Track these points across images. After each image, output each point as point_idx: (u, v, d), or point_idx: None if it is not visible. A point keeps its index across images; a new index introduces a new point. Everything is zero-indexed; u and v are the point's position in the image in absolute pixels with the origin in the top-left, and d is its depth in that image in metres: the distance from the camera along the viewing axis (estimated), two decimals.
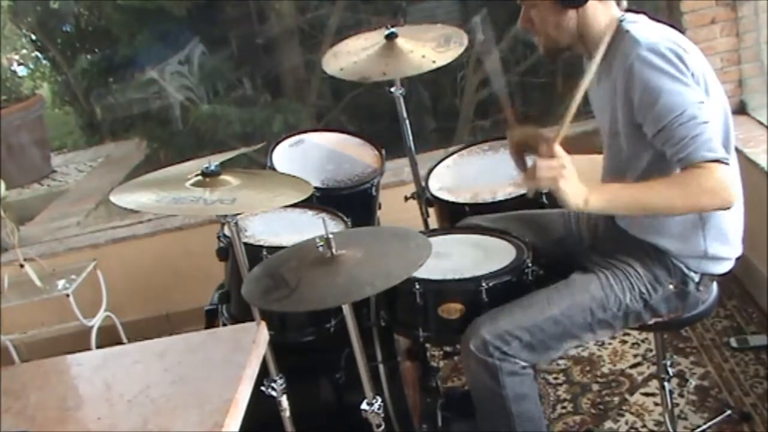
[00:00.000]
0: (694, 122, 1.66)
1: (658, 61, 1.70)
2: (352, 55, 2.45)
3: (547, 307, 1.86)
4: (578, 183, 1.72)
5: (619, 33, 1.80)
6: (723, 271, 1.93)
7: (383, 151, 2.63)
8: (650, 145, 1.76)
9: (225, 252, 2.22)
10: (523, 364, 1.85)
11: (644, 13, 1.88)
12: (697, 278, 1.90)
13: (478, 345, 1.83)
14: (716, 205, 1.70)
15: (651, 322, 1.95)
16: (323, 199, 2.37)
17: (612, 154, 1.91)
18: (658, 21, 1.88)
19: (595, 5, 1.83)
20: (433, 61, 2.36)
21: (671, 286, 1.90)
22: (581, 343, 2.02)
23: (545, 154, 1.74)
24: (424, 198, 2.56)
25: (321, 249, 1.68)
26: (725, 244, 1.88)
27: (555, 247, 2.11)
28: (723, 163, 1.65)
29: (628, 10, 1.88)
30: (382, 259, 1.73)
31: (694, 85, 1.71)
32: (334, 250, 1.68)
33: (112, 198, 1.76)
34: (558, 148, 1.73)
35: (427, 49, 2.40)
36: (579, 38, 1.87)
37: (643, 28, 1.79)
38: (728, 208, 1.70)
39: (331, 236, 1.68)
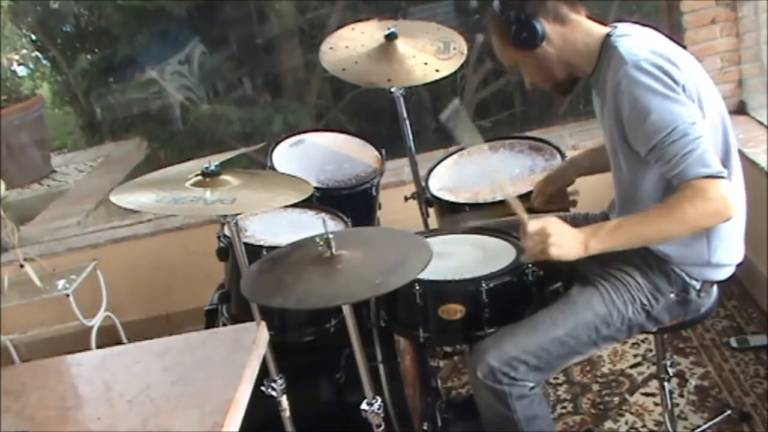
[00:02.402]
0: (686, 139, 1.65)
1: (645, 78, 1.69)
2: (350, 50, 2.44)
3: (552, 329, 1.85)
4: (569, 236, 1.75)
5: (609, 49, 1.79)
6: (724, 277, 1.91)
7: (383, 151, 2.63)
8: (647, 162, 1.75)
9: (225, 252, 2.22)
10: (531, 385, 1.84)
11: (636, 22, 1.87)
12: (698, 286, 1.88)
13: (485, 373, 1.82)
14: (718, 221, 1.71)
15: (654, 329, 1.95)
16: (323, 199, 2.37)
17: (616, 172, 1.90)
18: (653, 28, 1.87)
19: (560, 32, 1.82)
20: (437, 70, 2.37)
21: (672, 295, 1.88)
22: (585, 357, 2.03)
23: (522, 236, 1.81)
24: (424, 198, 2.56)
25: (321, 249, 1.68)
26: (729, 250, 1.87)
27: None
28: (719, 177, 1.64)
29: (620, 21, 1.87)
30: (382, 264, 1.73)
31: (686, 100, 1.69)
32: (333, 250, 1.68)
33: (112, 198, 1.77)
34: (531, 226, 1.77)
35: (428, 55, 2.41)
36: (566, 65, 1.87)
37: (631, 43, 1.76)
38: (729, 220, 1.70)
39: (330, 236, 1.68)
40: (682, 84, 1.71)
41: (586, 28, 1.85)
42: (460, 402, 2.56)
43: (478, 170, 2.53)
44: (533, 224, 1.77)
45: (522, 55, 1.86)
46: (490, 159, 2.54)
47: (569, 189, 2.25)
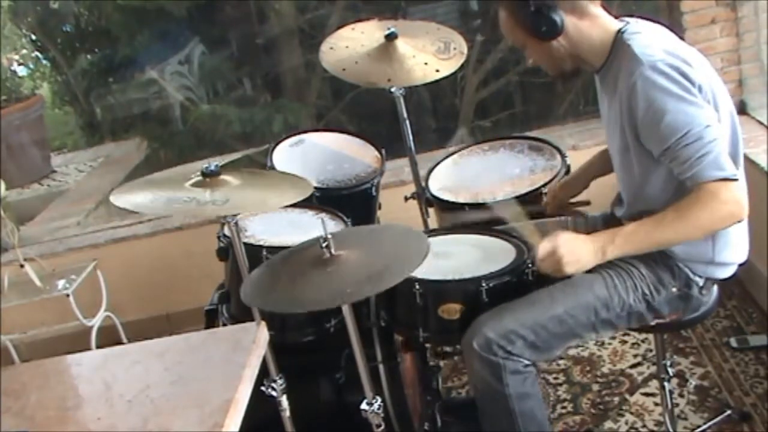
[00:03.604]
0: (700, 142, 1.65)
1: (662, 80, 1.68)
2: (350, 50, 2.44)
3: (551, 306, 1.86)
4: (582, 249, 1.76)
5: (621, 46, 1.78)
6: (727, 276, 1.92)
7: (383, 151, 2.63)
8: (659, 161, 1.75)
9: (225, 252, 2.22)
10: (526, 362, 1.85)
11: (649, 19, 1.87)
12: (701, 282, 1.89)
13: (481, 343, 1.82)
14: (732, 223, 1.72)
15: (653, 323, 1.95)
16: (323, 199, 2.37)
17: (625, 171, 1.90)
18: (662, 24, 1.87)
19: (577, 25, 1.80)
20: (437, 70, 2.37)
21: (674, 289, 1.89)
22: (584, 341, 2.03)
23: (536, 262, 1.81)
24: (424, 198, 2.56)
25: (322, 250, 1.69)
26: (733, 249, 1.88)
27: None
28: (732, 180, 1.65)
29: (629, 16, 1.86)
30: (384, 255, 1.73)
31: (702, 101, 1.69)
32: (333, 251, 1.68)
33: (112, 198, 1.77)
34: (543, 247, 1.77)
35: (428, 55, 2.41)
36: (576, 58, 1.85)
37: (645, 42, 1.75)
38: (741, 221, 1.72)
39: (330, 237, 1.68)
40: (698, 84, 1.70)
41: (602, 23, 1.83)
42: (459, 403, 2.56)
43: (478, 170, 2.53)
44: (543, 247, 1.77)
45: (533, 42, 1.84)
46: (490, 160, 2.55)
47: (580, 198, 2.25)
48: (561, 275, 1.78)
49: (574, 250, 1.75)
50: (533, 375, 1.88)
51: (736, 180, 1.66)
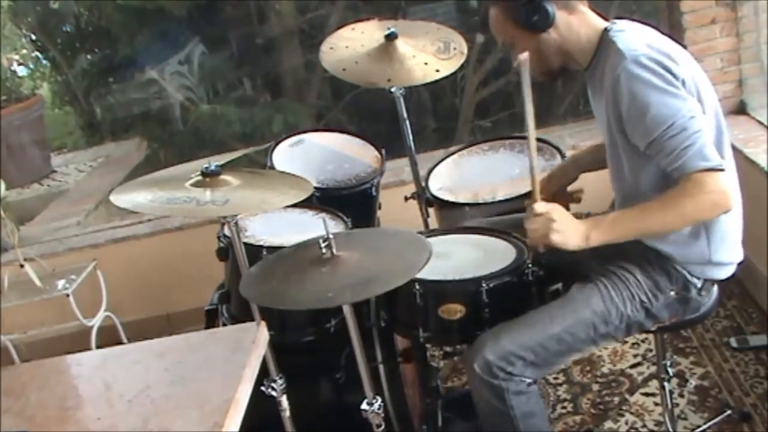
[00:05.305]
0: (684, 134, 1.65)
1: (644, 73, 1.69)
2: (350, 50, 2.45)
3: (549, 326, 1.85)
4: (572, 226, 1.75)
5: (607, 43, 1.80)
6: (726, 276, 1.91)
7: (383, 151, 2.63)
8: (646, 155, 1.75)
9: (225, 252, 2.22)
10: (529, 381, 1.84)
11: (636, 20, 1.88)
12: (699, 284, 1.88)
13: (482, 366, 1.82)
14: (717, 213, 1.72)
15: (653, 328, 1.95)
16: (323, 199, 2.37)
17: (614, 165, 1.90)
18: (650, 26, 1.87)
19: (567, 20, 1.82)
20: (437, 70, 2.38)
21: (672, 293, 1.88)
22: (584, 355, 2.02)
23: (528, 216, 1.79)
24: (424, 198, 2.56)
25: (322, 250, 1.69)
26: (729, 249, 1.87)
27: (552, 251, 2.09)
28: (718, 170, 1.65)
29: (619, 18, 1.87)
30: (381, 262, 1.73)
31: (686, 94, 1.70)
32: (333, 251, 1.68)
33: (112, 197, 1.77)
34: (538, 206, 1.77)
35: (428, 55, 2.41)
36: (565, 55, 1.87)
37: (630, 38, 1.77)
38: (728, 211, 1.71)
39: (331, 236, 1.68)
40: (682, 78, 1.71)
41: (590, 21, 1.85)
42: (459, 397, 2.56)
43: (478, 170, 2.53)
44: (539, 205, 1.77)
45: (523, 36, 1.85)
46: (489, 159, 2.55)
47: (574, 186, 2.25)
48: (545, 241, 1.76)
49: (565, 222, 1.75)
50: (536, 392, 1.88)
51: (722, 170, 1.66)
